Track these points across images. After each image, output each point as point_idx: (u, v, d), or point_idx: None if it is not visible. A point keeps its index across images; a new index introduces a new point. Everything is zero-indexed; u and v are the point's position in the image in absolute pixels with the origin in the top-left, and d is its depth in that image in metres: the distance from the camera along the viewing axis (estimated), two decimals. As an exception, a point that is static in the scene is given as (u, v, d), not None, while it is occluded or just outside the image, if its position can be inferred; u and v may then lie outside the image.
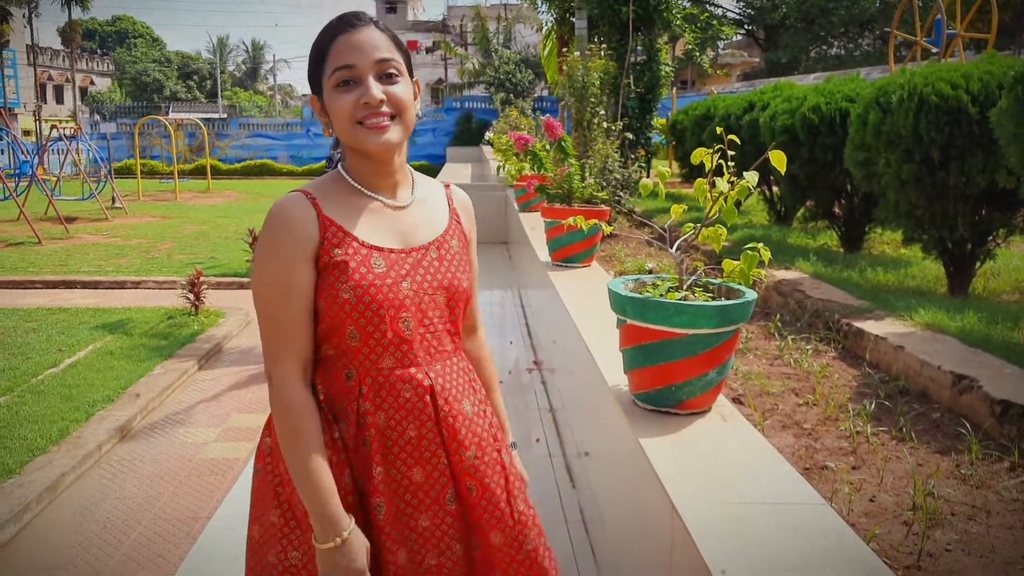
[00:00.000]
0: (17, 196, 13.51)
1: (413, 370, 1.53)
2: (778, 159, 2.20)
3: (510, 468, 1.67)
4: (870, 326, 4.24)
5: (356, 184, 1.56)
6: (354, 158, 1.55)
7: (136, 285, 9.07)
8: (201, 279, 7.33)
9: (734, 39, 35.53)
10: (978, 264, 5.39)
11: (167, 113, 42.28)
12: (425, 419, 1.53)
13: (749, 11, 32.77)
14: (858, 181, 5.89)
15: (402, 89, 1.50)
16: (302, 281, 1.47)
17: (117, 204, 16.33)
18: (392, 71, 1.49)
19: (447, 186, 1.72)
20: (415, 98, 1.55)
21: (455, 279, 1.59)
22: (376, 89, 1.47)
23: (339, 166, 1.59)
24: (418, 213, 1.61)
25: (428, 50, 51.72)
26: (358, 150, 1.52)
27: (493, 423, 1.67)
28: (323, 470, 1.45)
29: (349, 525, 1.45)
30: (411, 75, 1.55)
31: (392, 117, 1.49)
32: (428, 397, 1.53)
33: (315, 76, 1.52)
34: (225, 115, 43.20)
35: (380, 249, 1.52)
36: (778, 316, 4.86)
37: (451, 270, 1.60)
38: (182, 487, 4.06)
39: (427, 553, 1.55)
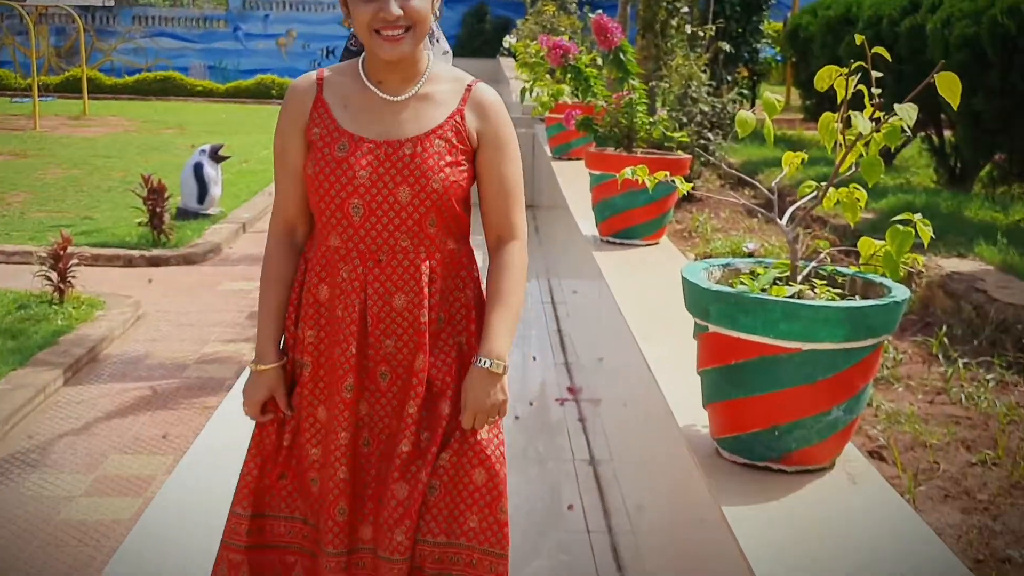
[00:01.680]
0: None
1: (355, 255, 2.36)
2: (949, 85, 2.19)
3: (443, 375, 2.41)
4: (1086, 347, 4.21)
5: (362, 74, 2.40)
6: (368, 53, 2.36)
7: (-28, 256, 9.16)
8: (69, 250, 7.39)
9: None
10: None
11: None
12: (353, 302, 2.36)
13: None
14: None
15: (420, 2, 2.24)
16: (292, 149, 2.41)
17: (-54, 133, 16.51)
18: None
19: (471, 83, 2.44)
20: (438, 3, 2.32)
21: (424, 178, 2.31)
22: (394, 5, 2.20)
23: (350, 52, 2.60)
24: (411, 108, 2.37)
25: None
26: (374, 54, 2.32)
27: (444, 330, 2.44)
28: (269, 311, 2.47)
29: (269, 363, 2.45)
30: None
31: (407, 28, 2.24)
32: (359, 283, 2.35)
33: None
34: (112, 3, 43.40)
35: (351, 135, 2.34)
36: (944, 328, 4.84)
37: (422, 168, 2.31)
38: (35, 561, 4.11)
39: (346, 418, 2.41)
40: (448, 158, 2.34)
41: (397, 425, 2.40)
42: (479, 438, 2.39)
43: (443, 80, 2.42)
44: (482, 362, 2.35)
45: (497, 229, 2.46)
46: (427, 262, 2.36)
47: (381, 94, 2.36)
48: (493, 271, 2.45)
